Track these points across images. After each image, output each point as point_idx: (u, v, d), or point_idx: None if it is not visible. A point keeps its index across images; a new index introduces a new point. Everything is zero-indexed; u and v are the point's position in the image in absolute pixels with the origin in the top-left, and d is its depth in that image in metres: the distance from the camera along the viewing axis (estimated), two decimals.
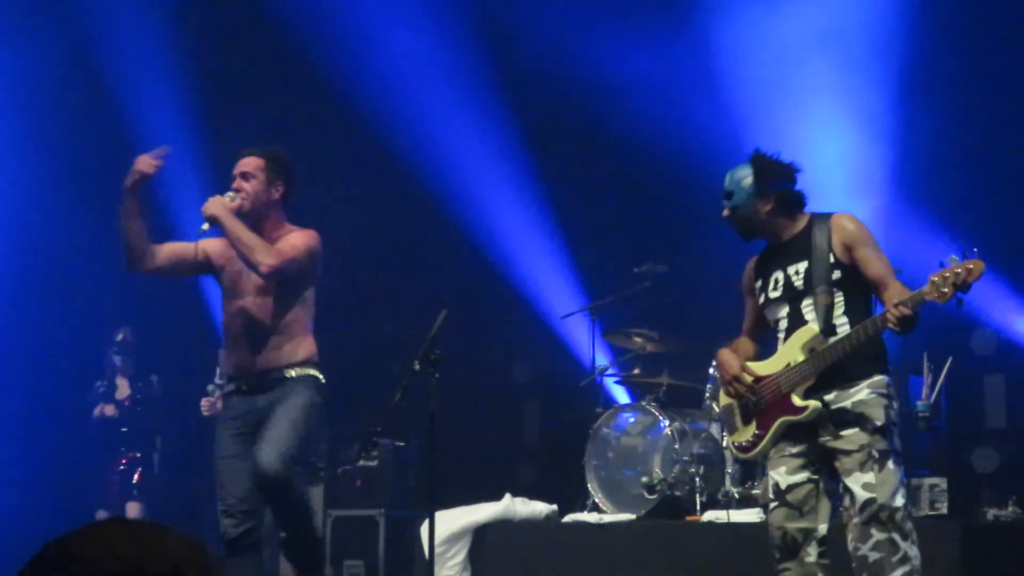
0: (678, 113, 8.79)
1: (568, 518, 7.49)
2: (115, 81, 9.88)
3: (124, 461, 9.05)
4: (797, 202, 4.88)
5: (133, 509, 8.95)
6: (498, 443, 9.65)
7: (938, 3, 8.24)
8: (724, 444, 7.45)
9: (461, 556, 7.30)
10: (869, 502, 4.53)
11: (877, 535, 4.51)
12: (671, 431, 7.42)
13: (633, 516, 7.28)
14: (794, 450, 4.73)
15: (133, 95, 9.85)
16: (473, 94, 9.48)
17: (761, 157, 4.89)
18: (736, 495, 7.21)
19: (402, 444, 8.38)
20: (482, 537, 7.36)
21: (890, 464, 4.56)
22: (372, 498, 8.19)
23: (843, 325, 4.67)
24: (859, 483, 4.54)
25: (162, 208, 9.70)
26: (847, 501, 4.59)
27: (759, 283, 4.93)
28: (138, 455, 9.08)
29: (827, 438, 4.65)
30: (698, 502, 7.24)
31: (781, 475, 4.74)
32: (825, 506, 4.71)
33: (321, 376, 5.68)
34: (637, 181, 9.39)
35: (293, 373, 5.57)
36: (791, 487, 4.71)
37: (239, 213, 5.53)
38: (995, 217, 7.83)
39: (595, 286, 9.03)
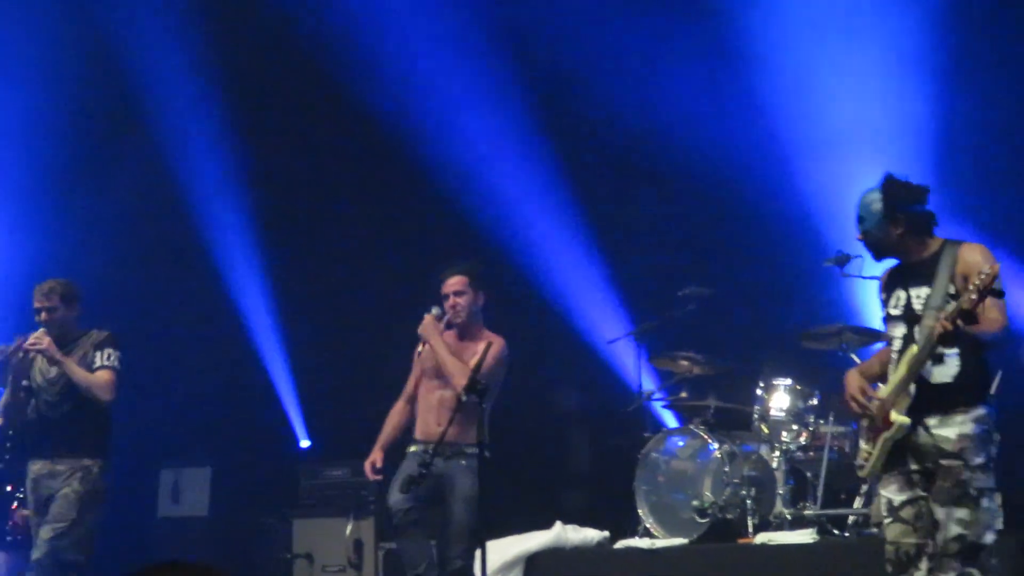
0: (720, 135, 8.78)
1: (620, 544, 7.46)
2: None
3: None
4: (927, 224, 4.94)
5: None
6: (547, 471, 9.61)
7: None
8: (775, 465, 7.42)
9: None
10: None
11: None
12: (720, 454, 7.39)
13: (685, 540, 7.24)
14: (903, 468, 4.84)
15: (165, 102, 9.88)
16: (515, 121, 9.50)
17: (891, 181, 4.95)
18: (788, 516, 7.17)
19: None
20: (534, 565, 7.35)
21: (985, 500, 4.76)
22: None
23: (952, 355, 4.76)
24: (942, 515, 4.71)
25: (187, 220, 9.80)
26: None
27: (883, 297, 5.04)
28: (8, 488, 7.56)
29: (929, 465, 4.77)
30: (750, 524, 7.19)
31: (893, 492, 4.85)
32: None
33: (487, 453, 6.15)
34: (680, 204, 9.36)
35: (472, 450, 6.19)
36: (904, 503, 4.83)
37: (454, 323, 6.62)
38: None
39: (640, 310, 9.00)
